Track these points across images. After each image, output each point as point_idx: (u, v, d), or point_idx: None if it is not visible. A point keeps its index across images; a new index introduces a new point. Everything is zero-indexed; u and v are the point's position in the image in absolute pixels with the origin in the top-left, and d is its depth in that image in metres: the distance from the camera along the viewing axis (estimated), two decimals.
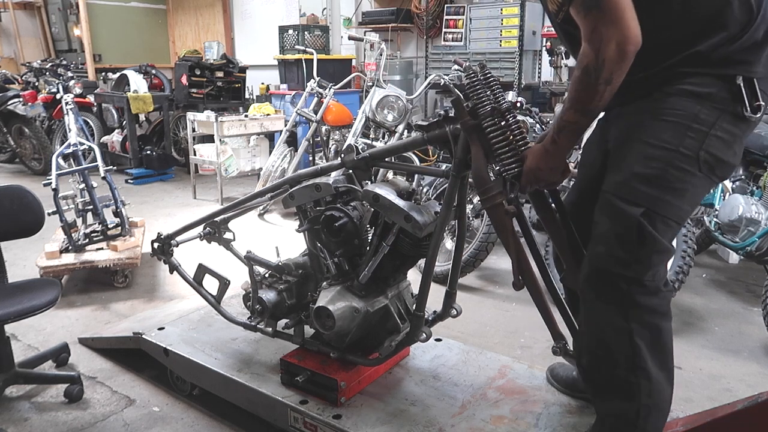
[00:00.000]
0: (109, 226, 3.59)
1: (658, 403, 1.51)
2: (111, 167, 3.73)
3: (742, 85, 1.35)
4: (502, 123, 1.57)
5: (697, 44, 1.35)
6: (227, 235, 2.41)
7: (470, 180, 1.76)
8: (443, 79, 4.54)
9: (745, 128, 1.42)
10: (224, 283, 2.39)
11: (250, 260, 2.24)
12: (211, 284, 2.43)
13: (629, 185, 1.41)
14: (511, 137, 1.57)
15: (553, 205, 1.72)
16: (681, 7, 1.34)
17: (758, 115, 1.37)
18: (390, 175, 3.53)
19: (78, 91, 5.44)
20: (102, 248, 3.53)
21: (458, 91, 1.67)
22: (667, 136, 1.37)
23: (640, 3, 1.28)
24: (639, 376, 1.46)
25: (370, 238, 1.96)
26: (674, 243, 3.02)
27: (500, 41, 6.06)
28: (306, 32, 6.77)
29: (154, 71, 7.45)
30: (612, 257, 1.43)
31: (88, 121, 6.44)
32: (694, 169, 1.38)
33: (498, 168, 1.59)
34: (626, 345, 1.46)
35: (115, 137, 6.79)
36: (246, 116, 5.70)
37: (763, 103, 1.37)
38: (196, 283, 2.45)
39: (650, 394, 1.48)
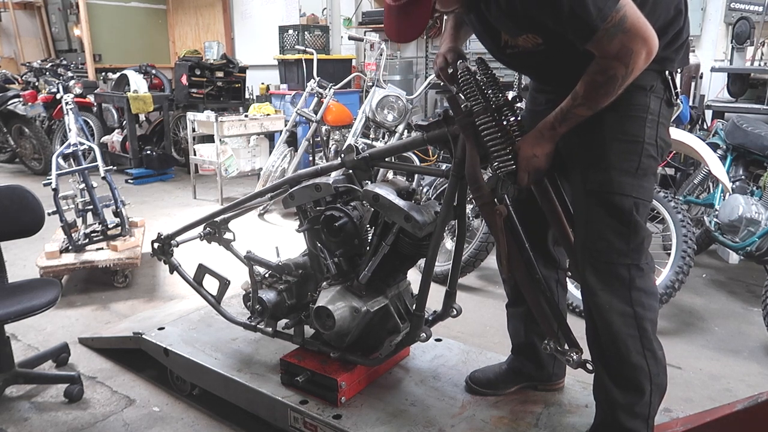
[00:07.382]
0: (109, 226, 3.59)
1: (662, 382, 1.63)
2: (111, 167, 3.73)
3: (669, 77, 1.55)
4: (499, 120, 1.57)
5: None
6: (227, 235, 2.41)
7: None
8: None
9: (672, 114, 1.64)
10: (224, 283, 2.39)
11: (250, 260, 2.24)
12: (211, 284, 2.43)
13: (617, 180, 1.52)
14: (507, 135, 1.56)
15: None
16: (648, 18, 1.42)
17: (678, 101, 1.59)
18: (390, 175, 3.53)
19: (78, 91, 5.42)
20: (102, 248, 3.53)
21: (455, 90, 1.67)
22: (634, 130, 1.52)
23: None
24: (648, 357, 1.58)
25: (370, 238, 1.97)
26: (673, 241, 3.03)
27: None
28: (306, 32, 6.76)
29: (154, 71, 7.44)
30: (613, 250, 1.54)
31: (88, 121, 6.43)
32: (656, 154, 1.55)
33: (493, 166, 1.58)
34: (634, 329, 1.56)
35: (115, 137, 6.79)
36: (246, 116, 5.70)
37: (679, 91, 1.59)
38: (196, 283, 2.46)
39: (657, 374, 1.60)
